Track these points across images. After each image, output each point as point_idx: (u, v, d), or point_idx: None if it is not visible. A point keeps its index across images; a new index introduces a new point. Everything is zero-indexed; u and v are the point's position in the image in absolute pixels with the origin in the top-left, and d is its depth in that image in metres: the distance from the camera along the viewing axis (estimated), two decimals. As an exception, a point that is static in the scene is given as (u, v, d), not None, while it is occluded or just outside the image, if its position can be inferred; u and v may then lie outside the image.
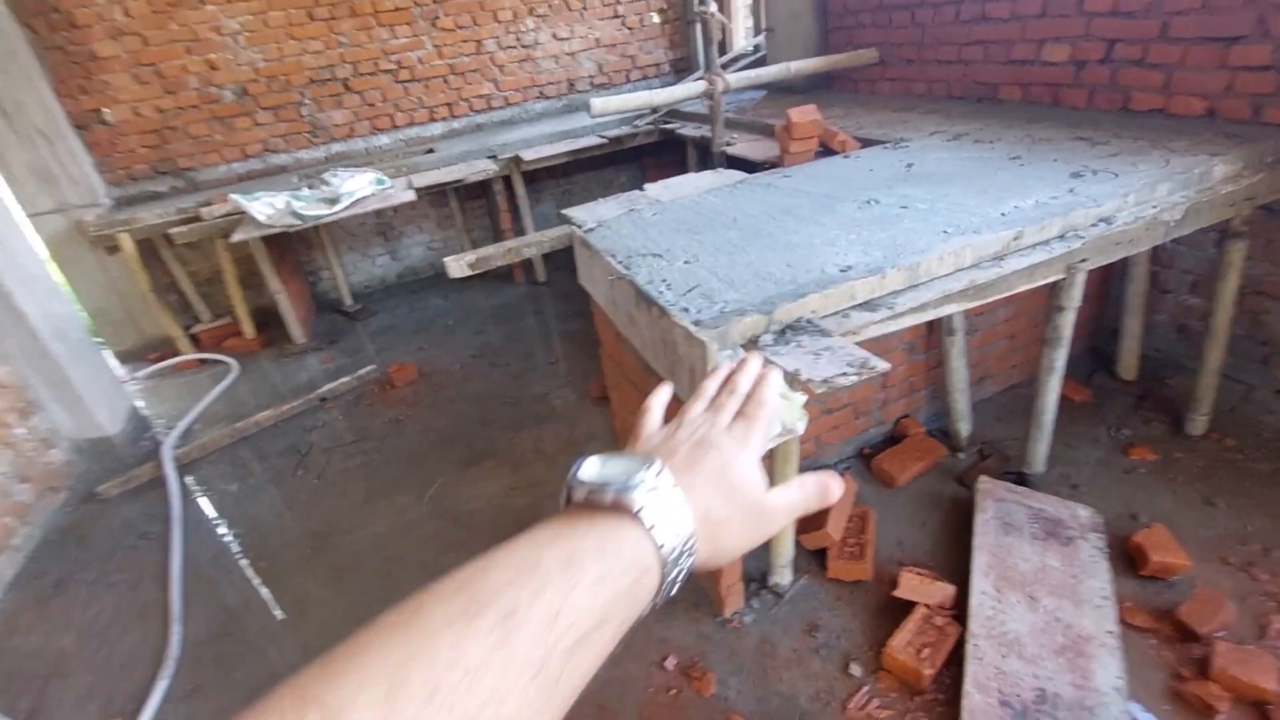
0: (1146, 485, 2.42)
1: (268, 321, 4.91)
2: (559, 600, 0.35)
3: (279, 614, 2.46)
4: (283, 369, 4.36)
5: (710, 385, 0.58)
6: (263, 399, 3.97)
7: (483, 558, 0.37)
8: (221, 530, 2.96)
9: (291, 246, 4.97)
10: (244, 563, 2.74)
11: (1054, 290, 2.09)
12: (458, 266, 2.59)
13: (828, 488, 0.50)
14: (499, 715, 0.31)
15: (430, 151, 4.98)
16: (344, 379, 3.92)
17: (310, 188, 4.16)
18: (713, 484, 0.45)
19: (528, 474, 2.99)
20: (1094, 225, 2.00)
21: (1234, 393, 2.74)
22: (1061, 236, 1.97)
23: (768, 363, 0.57)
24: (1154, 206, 2.07)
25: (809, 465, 2.67)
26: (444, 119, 5.43)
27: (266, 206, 3.86)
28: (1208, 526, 2.22)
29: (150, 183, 4.84)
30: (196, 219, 4.27)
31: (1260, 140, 2.30)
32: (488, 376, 3.88)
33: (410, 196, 4.12)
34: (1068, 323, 2.12)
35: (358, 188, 4.03)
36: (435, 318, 4.83)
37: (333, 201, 3.94)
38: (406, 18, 5.04)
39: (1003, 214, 2.00)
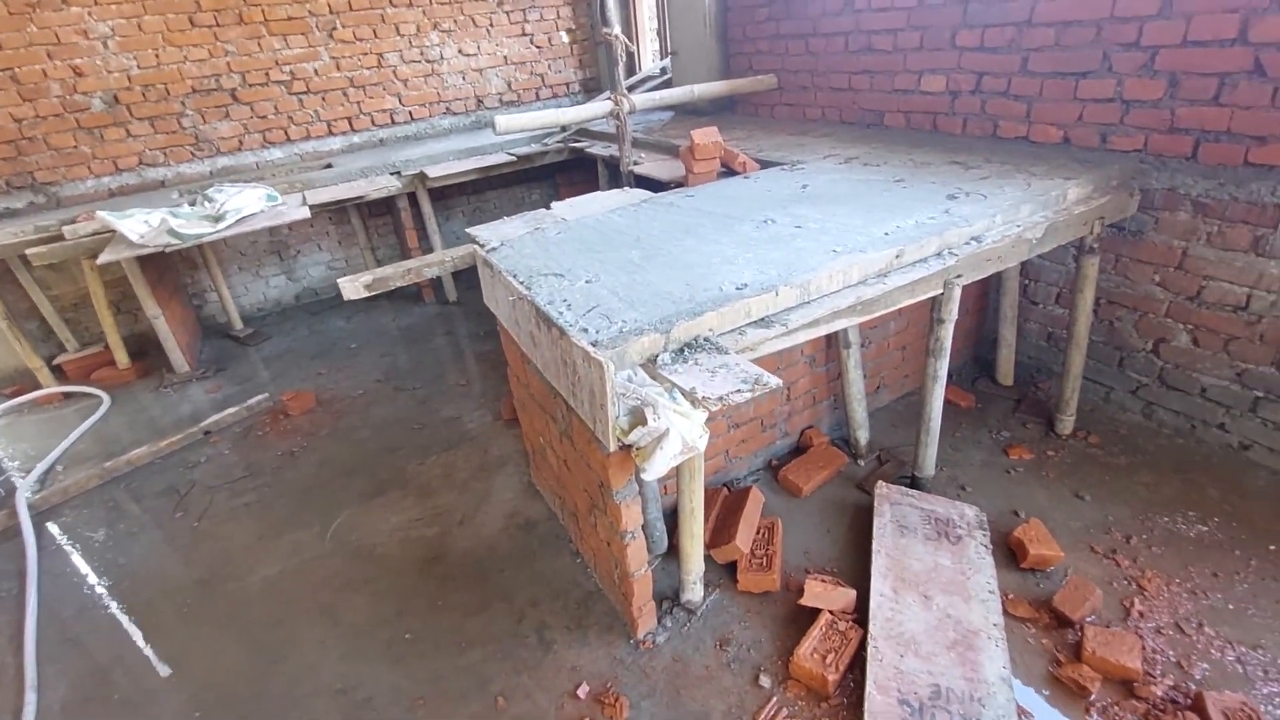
0: (1024, 483, 2.60)
1: (145, 349, 4.52)
2: None
3: (158, 672, 2.23)
4: (162, 401, 4.01)
5: None
6: (138, 434, 3.63)
7: None
8: (89, 583, 2.66)
9: (172, 267, 4.61)
10: (116, 617, 2.47)
11: (934, 304, 2.23)
12: (353, 288, 2.47)
13: None
14: None
15: (328, 166, 4.76)
16: (232, 409, 3.64)
17: (191, 204, 3.87)
18: None
19: (436, 502, 2.87)
20: (967, 243, 2.16)
21: (1096, 394, 3.01)
22: (939, 254, 2.11)
23: None
24: (1018, 226, 2.26)
25: (719, 480, 2.71)
26: (344, 133, 5.22)
27: (140, 224, 3.56)
28: (1077, 518, 2.41)
29: (4, 199, 4.36)
30: (58, 238, 3.87)
31: (1107, 165, 2.56)
32: (394, 401, 3.71)
33: (304, 214, 3.91)
34: (948, 334, 2.26)
35: (245, 204, 3.78)
36: (337, 341, 4.59)
37: (216, 219, 3.68)
38: (301, 28, 4.82)
39: (886, 233, 2.12)
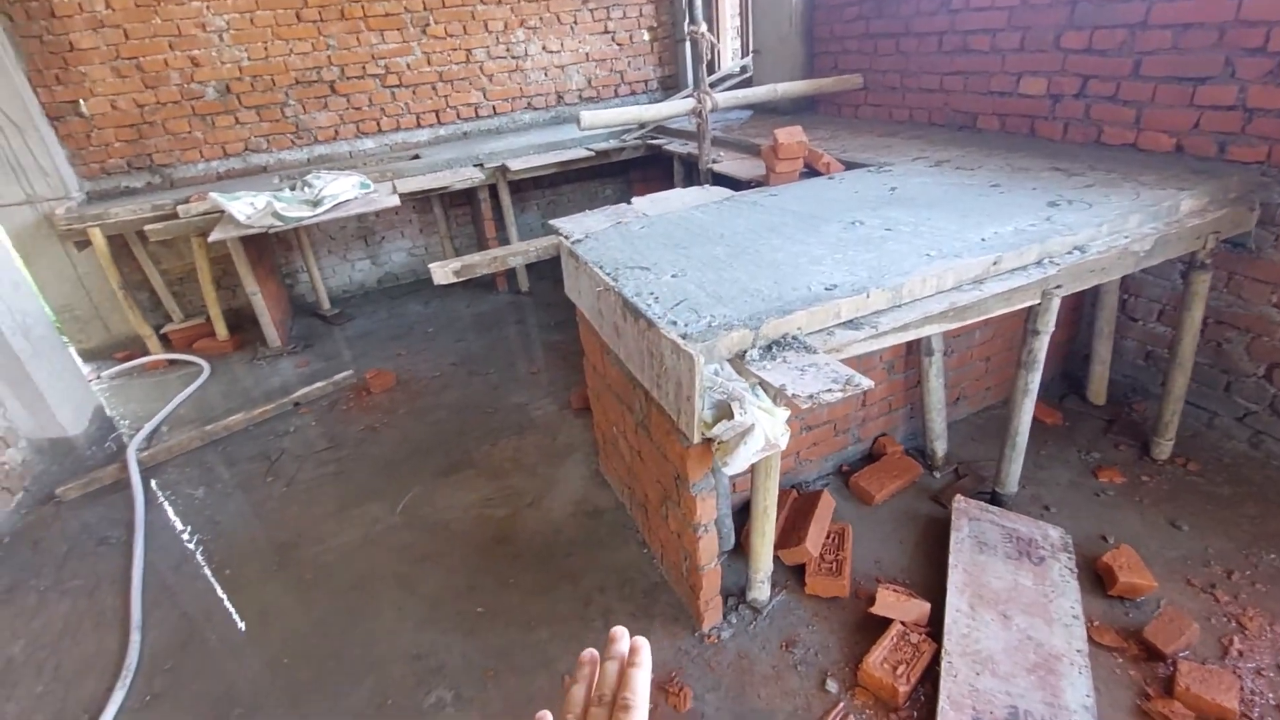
0: (1115, 507, 2.47)
1: (242, 323, 4.82)
2: None
3: (242, 625, 2.39)
4: (256, 372, 4.27)
5: (576, 696, 0.56)
6: (234, 402, 3.88)
7: None
8: (185, 537, 2.87)
9: (270, 248, 4.90)
10: (207, 571, 2.66)
11: (1029, 315, 2.14)
12: (443, 273, 2.57)
13: None
14: None
15: (416, 158, 4.96)
16: (319, 384, 3.85)
17: (292, 189, 4.11)
18: None
19: (505, 484, 2.96)
20: (1069, 253, 2.07)
21: (1198, 419, 2.83)
22: (1038, 263, 2.03)
23: (635, 650, 0.56)
24: (1125, 237, 2.15)
25: (789, 481, 2.69)
26: (431, 125, 5.42)
27: (247, 206, 3.80)
28: (1172, 548, 2.28)
29: (125, 178, 4.74)
30: (173, 216, 4.18)
31: (1224, 176, 2.40)
32: (467, 385, 3.84)
33: (394, 202, 4.09)
34: (1042, 346, 2.18)
35: (341, 190, 3.98)
36: (415, 324, 4.78)
37: (315, 204, 3.89)
38: (397, 23, 5.03)
39: (983, 239, 2.05)
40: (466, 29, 5.25)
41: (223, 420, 3.58)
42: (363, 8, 4.90)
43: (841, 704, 1.87)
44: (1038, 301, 2.07)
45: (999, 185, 2.56)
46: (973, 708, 1.75)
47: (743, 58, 5.63)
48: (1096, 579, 2.18)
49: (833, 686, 1.92)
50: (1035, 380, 2.25)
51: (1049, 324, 2.12)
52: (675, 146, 4.61)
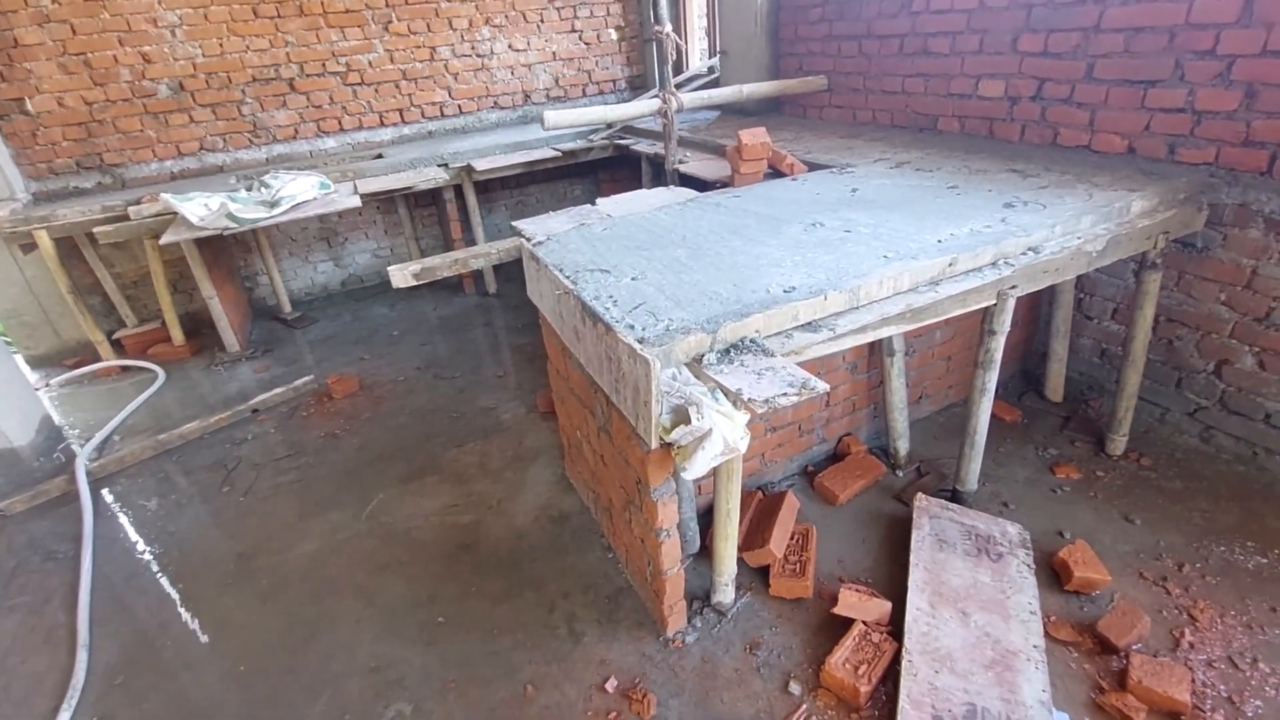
0: (1071, 503, 2.52)
1: (199, 328, 4.68)
2: None
3: (197, 639, 2.31)
4: (213, 379, 4.15)
5: None
6: (190, 410, 3.77)
7: None
8: (138, 550, 2.77)
9: (227, 250, 4.77)
10: (162, 584, 2.57)
11: (986, 315, 2.17)
12: (401, 276, 2.52)
13: None
14: None
15: (379, 157, 4.87)
16: (279, 390, 3.76)
17: (249, 189, 4.00)
18: None
19: (469, 490, 2.92)
20: (1024, 254, 2.10)
21: (1150, 414, 2.90)
22: (993, 264, 2.06)
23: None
24: (1078, 238, 2.19)
25: (754, 483, 2.69)
26: (394, 124, 5.32)
27: (200, 207, 3.69)
28: (1126, 542, 2.33)
29: (74, 178, 4.57)
30: (124, 218, 4.04)
31: (1174, 178, 2.46)
32: (432, 389, 3.78)
33: (355, 202, 4.01)
34: (999, 346, 2.21)
35: (300, 191, 3.89)
36: (379, 328, 4.69)
37: (272, 205, 3.79)
38: (358, 20, 4.93)
39: (939, 241, 2.07)
40: (430, 26, 5.16)
41: (178, 429, 3.47)
42: (322, 4, 4.80)
43: (804, 706, 1.88)
44: (993, 302, 2.10)
45: (956, 187, 2.59)
46: (932, 706, 1.77)
47: (710, 58, 5.63)
48: (1053, 574, 2.22)
49: (796, 688, 1.93)
50: (992, 379, 2.28)
51: (1004, 324, 2.15)
52: (643, 147, 4.60)
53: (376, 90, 5.17)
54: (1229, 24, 2.34)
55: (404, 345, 4.37)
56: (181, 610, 2.44)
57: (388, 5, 4.97)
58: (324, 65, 4.95)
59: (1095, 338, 3.09)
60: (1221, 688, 1.84)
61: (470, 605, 2.33)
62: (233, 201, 3.76)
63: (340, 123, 5.15)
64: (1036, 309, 3.21)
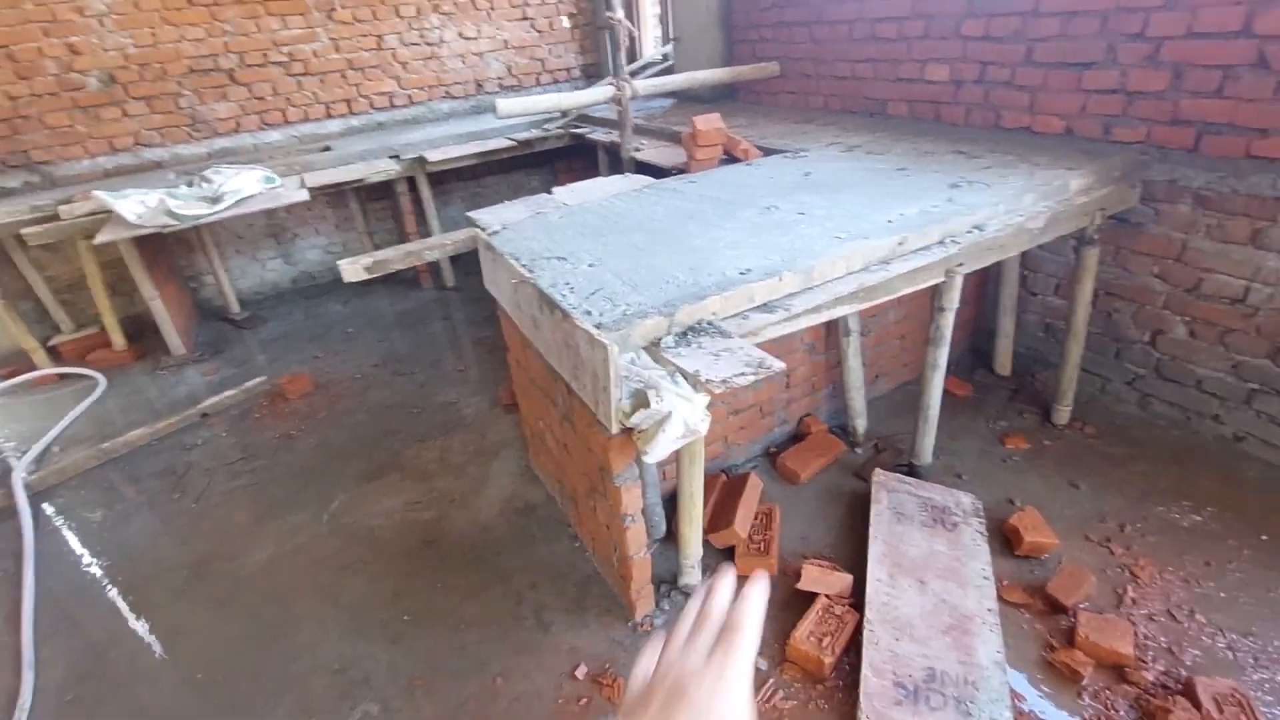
0: (1020, 472, 2.62)
1: (142, 332, 4.49)
2: None
3: (152, 649, 2.23)
4: (159, 383, 3.99)
5: (687, 614, 0.53)
6: (135, 417, 3.61)
7: None
8: (84, 563, 2.66)
9: (169, 249, 4.57)
10: (112, 596, 2.48)
11: (936, 293, 2.23)
12: (353, 270, 2.46)
13: None
14: None
15: (327, 149, 4.72)
16: (230, 392, 3.63)
17: (189, 185, 3.84)
18: None
19: (432, 486, 2.88)
20: (969, 232, 2.16)
21: (1093, 385, 3.03)
22: (941, 242, 2.11)
23: (750, 581, 0.52)
24: (1020, 215, 2.26)
25: (718, 466, 2.72)
26: (342, 116, 5.17)
27: (137, 205, 3.53)
28: (1072, 507, 2.43)
29: (-2, 177, 4.32)
30: (54, 218, 3.83)
31: (1109, 156, 2.56)
32: (390, 386, 3.71)
33: (303, 196, 3.88)
34: (948, 323, 2.27)
35: (243, 186, 3.75)
36: (333, 325, 4.57)
37: (214, 200, 3.65)
38: (299, 8, 4.76)
39: (889, 221, 2.12)
40: (376, 14, 5.02)
41: (122, 436, 3.33)
42: (261, -9, 4.62)
43: (771, 680, 1.91)
44: (942, 280, 2.15)
45: (905, 169, 2.64)
46: (893, 672, 1.82)
47: (664, 45, 5.62)
48: (1005, 540, 2.30)
49: (763, 664, 1.96)
50: (943, 356, 2.35)
51: (953, 301, 2.21)
52: (599, 135, 4.57)
53: (322, 80, 5.01)
54: (1157, 7, 2.43)
55: (360, 342, 4.27)
56: (134, 621, 2.36)
57: (330, -8, 4.81)
58: (265, 55, 4.77)
59: (1040, 313, 3.20)
60: (1162, 639, 1.94)
61: (436, 601, 2.30)
62: (172, 198, 3.61)
63: (285, 115, 4.98)
64: (984, 287, 3.31)
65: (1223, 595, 2.05)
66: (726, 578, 0.53)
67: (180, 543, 2.71)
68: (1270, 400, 2.49)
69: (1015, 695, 1.81)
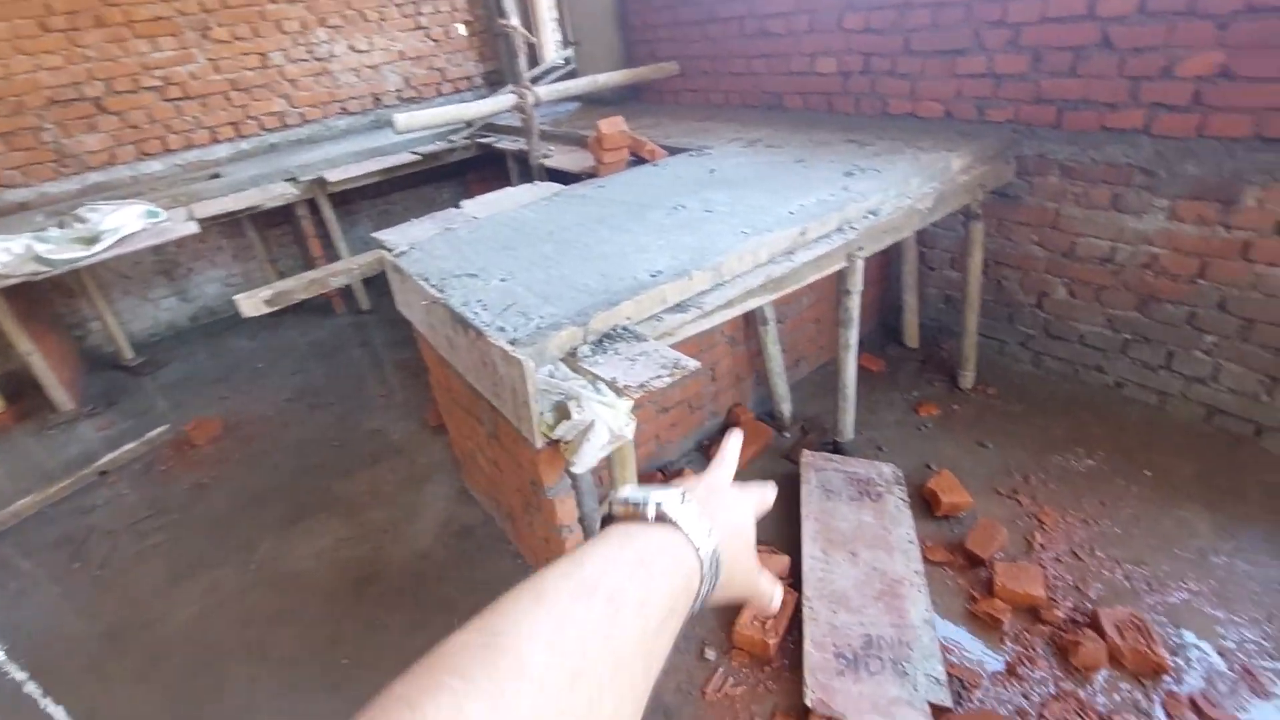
0: (934, 437, 2.78)
1: (22, 389, 4.09)
2: (643, 591, 0.41)
3: (67, 734, 2.06)
4: (47, 444, 3.66)
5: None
6: (22, 483, 3.30)
7: (564, 560, 0.42)
8: (-25, 651, 2.41)
9: (45, 297, 4.20)
10: (13, 682, 2.26)
11: (841, 277, 2.33)
12: (252, 304, 2.33)
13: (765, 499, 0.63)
14: (628, 679, 0.37)
15: (216, 176, 4.45)
16: (129, 446, 3.38)
17: (60, 226, 3.54)
18: (723, 519, 0.52)
19: (364, 520, 2.77)
20: (865, 217, 2.27)
21: (991, 348, 3.25)
22: (840, 229, 2.21)
23: (729, 434, 0.69)
24: (910, 198, 2.39)
25: (653, 465, 2.75)
26: (230, 140, 4.89)
27: (0, 253, 3.22)
28: (982, 465, 2.60)
29: None
30: (-100, 274, 3.45)
31: (984, 136, 2.75)
32: (309, 420, 3.54)
33: (192, 229, 3.65)
34: (855, 304, 2.38)
35: (123, 223, 3.49)
36: (241, 362, 4.32)
37: (90, 241, 3.38)
38: (170, 28, 4.47)
39: (791, 212, 2.20)
40: (257, 31, 4.77)
41: (9, 507, 3.04)
42: (124, 12, 4.30)
43: (720, 669, 1.96)
44: (845, 264, 2.25)
45: (803, 160, 2.75)
46: (833, 644, 1.90)
47: (565, 49, 5.60)
48: (925, 504, 2.44)
49: (711, 654, 2.00)
50: (854, 336, 2.46)
51: (857, 284, 2.32)
52: (506, 144, 4.51)
53: (203, 104, 4.72)
54: (1012, -5, 2.63)
55: (271, 377, 4.06)
56: (42, 706, 2.16)
57: (203, 9, 4.54)
58: (136, 80, 4.45)
59: (939, 286, 3.40)
60: (1069, 578, 2.11)
61: (376, 640, 2.22)
62: (41, 242, 3.31)
63: (165, 142, 4.66)
64: (888, 266, 3.48)
65: (1117, 531, 2.25)
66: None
67: (88, 616, 2.50)
68: (1142, 348, 2.75)
69: (946, 648, 1.93)
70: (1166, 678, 1.79)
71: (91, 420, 3.83)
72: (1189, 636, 1.90)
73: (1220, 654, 1.84)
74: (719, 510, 0.53)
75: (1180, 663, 1.83)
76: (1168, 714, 1.72)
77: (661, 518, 0.47)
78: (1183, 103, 2.33)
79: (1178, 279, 2.55)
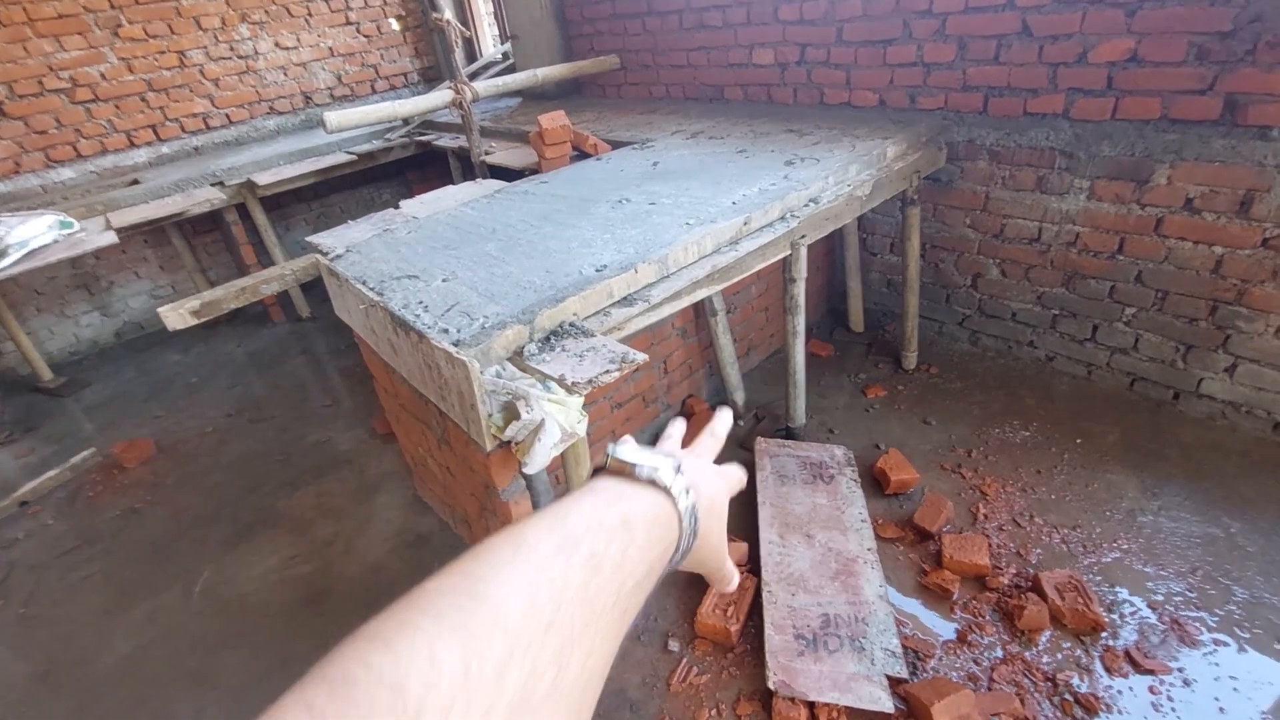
0: (881, 418, 2.86)
1: (-75, 418, 3.80)
2: (622, 554, 0.42)
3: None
4: (-43, 475, 3.41)
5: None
6: (-70, 519, 3.06)
7: (549, 511, 0.43)
8: (-117, 705, 2.23)
9: (-53, 318, 3.89)
10: (-74, 738, 2.10)
11: (785, 265, 2.37)
12: (178, 316, 2.21)
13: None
14: (600, 631, 0.38)
15: (135, 183, 4.21)
16: (51, 473, 3.16)
17: (-41, 241, 3.28)
18: (706, 490, 0.54)
19: (312, 535, 2.68)
20: (806, 205, 2.30)
21: (931, 329, 3.36)
22: (782, 218, 2.24)
23: (718, 411, 0.71)
24: (849, 185, 2.44)
25: (610, 460, 2.74)
26: (149, 143, 4.63)
27: (-110, 272, 2.97)
28: (927, 442, 2.69)
29: None
30: None
31: (917, 124, 2.83)
32: (249, 435, 3.39)
33: (110, 239, 3.44)
34: (800, 292, 2.42)
35: (32, 235, 3.26)
36: (173, 377, 4.11)
37: (-4, 256, 3.15)
38: (77, 26, 4.19)
39: (734, 203, 2.21)
40: (173, 28, 4.52)
41: (-85, 546, 2.81)
42: (25, 10, 4.01)
43: (685, 660, 1.97)
44: (789, 252, 2.29)
45: (745, 151, 2.77)
46: (793, 626, 1.93)
47: (504, 44, 5.51)
48: (875, 483, 2.51)
49: (675, 646, 2.01)
50: (801, 322, 2.50)
51: (802, 271, 2.35)
52: (446, 141, 4.41)
53: (117, 106, 4.45)
54: (937, -15, 2.70)
55: (207, 392, 3.87)
56: (-40, 760, 2.01)
57: (112, 6, 4.27)
58: (41, 82, 4.16)
59: (881, 271, 3.50)
60: (1011, 545, 2.21)
61: (332, 656, 2.15)
62: (-62, 259, 3.07)
63: (76, 148, 4.37)
64: (832, 253, 3.56)
65: (1053, 497, 2.36)
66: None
67: (13, 656, 2.34)
68: (1069, 322, 2.88)
69: (900, 621, 1.99)
70: (1104, 634, 1.89)
71: (8, 448, 3.57)
72: (1123, 593, 2.01)
73: (1151, 608, 1.95)
74: (702, 483, 0.54)
75: (1115, 619, 1.93)
76: (1106, 668, 1.81)
77: (653, 483, 0.49)
78: (1098, 87, 2.45)
79: (1099, 255, 2.69)
